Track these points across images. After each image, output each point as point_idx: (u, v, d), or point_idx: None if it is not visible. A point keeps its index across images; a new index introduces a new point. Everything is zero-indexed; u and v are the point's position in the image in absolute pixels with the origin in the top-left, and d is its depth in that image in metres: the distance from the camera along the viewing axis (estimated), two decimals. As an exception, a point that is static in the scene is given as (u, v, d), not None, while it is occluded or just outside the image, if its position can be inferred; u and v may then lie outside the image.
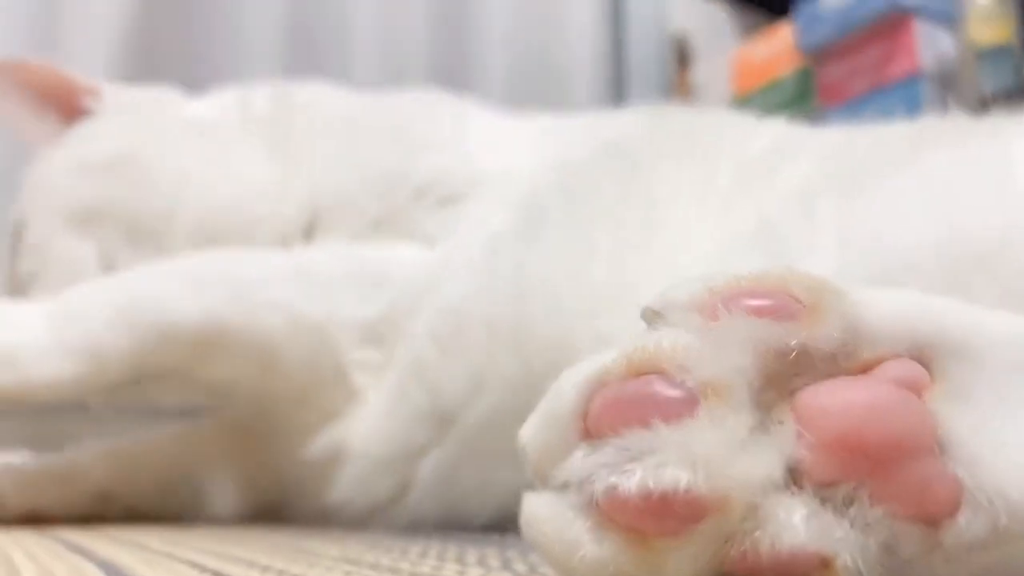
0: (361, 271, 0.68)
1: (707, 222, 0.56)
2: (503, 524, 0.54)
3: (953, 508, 0.21)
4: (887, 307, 0.23)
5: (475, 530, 0.57)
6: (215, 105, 0.83)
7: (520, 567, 0.36)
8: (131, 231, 0.75)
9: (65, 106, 0.81)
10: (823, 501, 0.21)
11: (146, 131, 0.79)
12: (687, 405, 0.21)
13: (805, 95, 1.40)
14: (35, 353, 0.61)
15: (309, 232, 0.75)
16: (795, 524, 0.20)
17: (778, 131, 0.63)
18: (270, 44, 1.39)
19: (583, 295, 0.56)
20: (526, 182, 0.67)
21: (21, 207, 0.79)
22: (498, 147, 0.76)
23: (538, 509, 0.22)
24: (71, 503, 0.70)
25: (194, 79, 0.92)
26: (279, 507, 0.72)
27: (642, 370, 0.21)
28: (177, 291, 0.64)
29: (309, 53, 1.42)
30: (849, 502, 0.21)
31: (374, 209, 0.73)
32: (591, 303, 0.55)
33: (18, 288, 0.80)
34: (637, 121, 0.70)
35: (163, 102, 0.84)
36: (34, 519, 0.66)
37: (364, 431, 0.64)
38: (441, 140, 0.77)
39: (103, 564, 0.40)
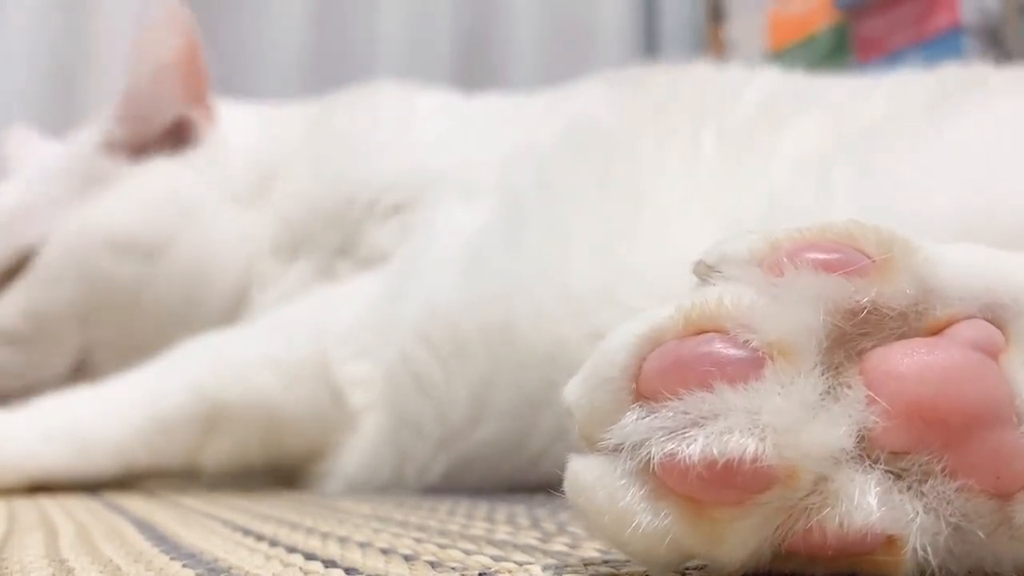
0: (329, 316, 0.65)
1: (697, 198, 0.53)
2: (532, 484, 0.53)
3: None
4: (960, 263, 0.21)
5: (504, 489, 0.57)
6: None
7: (549, 526, 0.35)
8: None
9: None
10: (896, 476, 0.19)
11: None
12: (752, 367, 0.19)
13: (841, 50, 1.37)
14: (23, 454, 0.59)
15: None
16: (868, 503, 0.19)
17: (772, 85, 0.58)
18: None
19: (571, 295, 0.53)
20: (493, 175, 0.64)
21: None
22: (452, 138, 0.72)
23: (586, 474, 0.21)
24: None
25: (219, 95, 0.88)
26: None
27: (701, 328, 0.20)
28: (166, 381, 0.62)
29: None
30: (924, 477, 0.19)
31: (332, 240, 0.72)
32: (580, 302, 0.53)
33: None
34: (606, 95, 0.65)
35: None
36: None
37: (359, 463, 0.62)
38: (385, 144, 0.74)
39: (139, 522, 0.40)
